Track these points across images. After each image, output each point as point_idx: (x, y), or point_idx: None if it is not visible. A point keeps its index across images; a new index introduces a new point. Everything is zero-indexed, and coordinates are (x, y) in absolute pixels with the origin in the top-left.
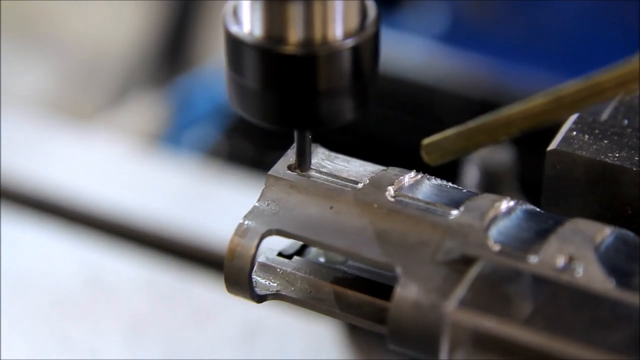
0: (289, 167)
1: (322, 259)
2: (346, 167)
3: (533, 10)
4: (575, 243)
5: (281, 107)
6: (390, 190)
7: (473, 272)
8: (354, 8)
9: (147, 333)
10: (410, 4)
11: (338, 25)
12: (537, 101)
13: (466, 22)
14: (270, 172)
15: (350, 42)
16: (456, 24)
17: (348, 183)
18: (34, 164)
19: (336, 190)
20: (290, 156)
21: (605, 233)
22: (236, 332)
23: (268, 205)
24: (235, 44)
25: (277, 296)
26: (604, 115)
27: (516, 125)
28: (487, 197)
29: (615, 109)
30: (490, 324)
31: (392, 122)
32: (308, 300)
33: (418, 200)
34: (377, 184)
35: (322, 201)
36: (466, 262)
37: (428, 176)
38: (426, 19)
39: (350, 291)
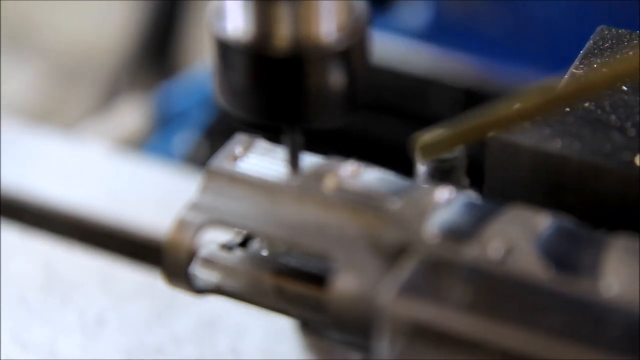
0: (229, 160)
1: (264, 252)
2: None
3: (518, 7)
4: (513, 231)
5: (270, 108)
6: (331, 180)
7: (411, 262)
8: (343, 7)
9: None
10: (395, 3)
11: (327, 25)
12: (529, 97)
13: (451, 19)
14: (209, 165)
15: (339, 42)
16: (441, 22)
17: (288, 174)
18: (17, 170)
19: (275, 182)
20: (230, 149)
21: (545, 221)
22: (195, 325)
23: (207, 197)
24: (221, 45)
25: (217, 289)
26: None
27: (508, 122)
28: (427, 188)
29: None
30: (427, 312)
31: (378, 120)
32: (249, 293)
33: (358, 190)
34: (317, 175)
35: (261, 193)
36: (405, 252)
37: (368, 166)
38: (410, 18)
39: (291, 283)
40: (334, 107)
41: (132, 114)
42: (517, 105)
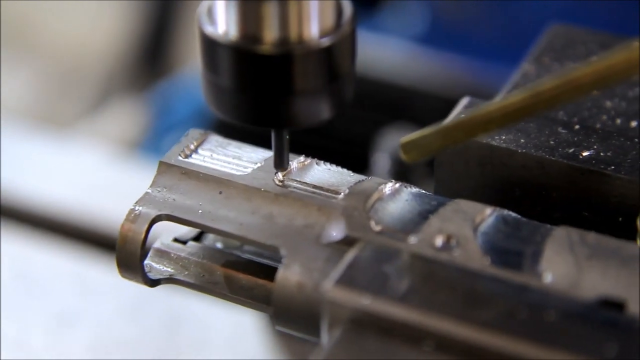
0: (183, 153)
1: (219, 245)
2: (238, 153)
3: (511, 9)
4: (455, 223)
5: (258, 107)
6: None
7: (353, 252)
8: (330, 7)
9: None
10: (389, 5)
11: (314, 24)
12: (515, 97)
13: (444, 22)
14: (162, 159)
15: (326, 41)
16: (434, 25)
17: (239, 168)
18: (13, 172)
19: (226, 176)
20: (184, 144)
21: (486, 213)
22: (161, 322)
23: (160, 191)
24: (210, 44)
25: (170, 280)
26: (495, 99)
27: (495, 122)
28: (373, 180)
29: (506, 92)
30: (365, 301)
31: (371, 124)
32: (201, 284)
33: (305, 184)
34: (266, 169)
35: (212, 186)
36: (349, 243)
37: (317, 160)
38: (404, 20)
39: (242, 274)
40: (319, 108)
41: (126, 115)
42: (500, 105)
